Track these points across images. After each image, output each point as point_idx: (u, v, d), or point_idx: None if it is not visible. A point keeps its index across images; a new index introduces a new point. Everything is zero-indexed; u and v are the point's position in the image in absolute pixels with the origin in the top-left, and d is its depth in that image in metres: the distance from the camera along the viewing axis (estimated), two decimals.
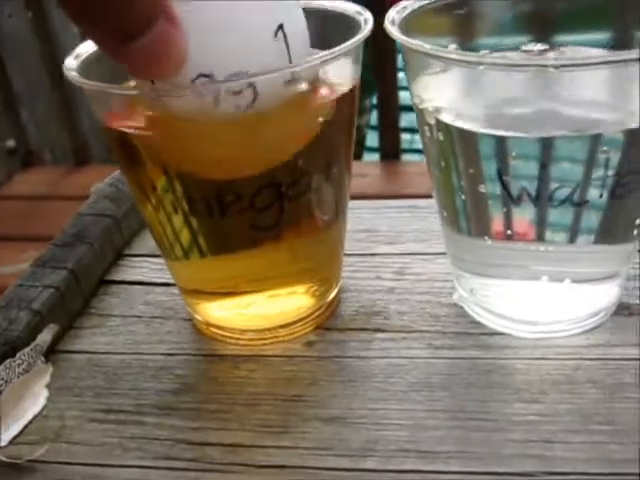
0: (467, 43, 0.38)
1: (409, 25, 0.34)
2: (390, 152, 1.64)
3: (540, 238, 0.34)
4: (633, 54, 0.27)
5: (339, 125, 0.35)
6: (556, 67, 0.28)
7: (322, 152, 0.35)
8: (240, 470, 0.32)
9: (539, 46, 0.38)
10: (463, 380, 0.36)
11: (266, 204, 0.34)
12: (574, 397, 0.34)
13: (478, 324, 0.39)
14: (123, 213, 0.50)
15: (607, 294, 0.37)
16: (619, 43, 0.35)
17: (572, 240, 0.34)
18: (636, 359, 0.36)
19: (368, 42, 0.33)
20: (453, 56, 0.30)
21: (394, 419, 0.34)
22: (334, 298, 0.42)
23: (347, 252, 0.45)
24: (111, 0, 0.25)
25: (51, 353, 0.41)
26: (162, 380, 0.38)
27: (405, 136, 1.74)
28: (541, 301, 0.37)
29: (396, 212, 0.50)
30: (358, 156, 2.37)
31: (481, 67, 0.29)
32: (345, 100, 0.35)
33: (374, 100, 1.87)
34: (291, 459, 0.33)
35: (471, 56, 0.29)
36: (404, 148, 1.68)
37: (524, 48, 0.38)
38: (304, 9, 0.32)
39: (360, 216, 0.50)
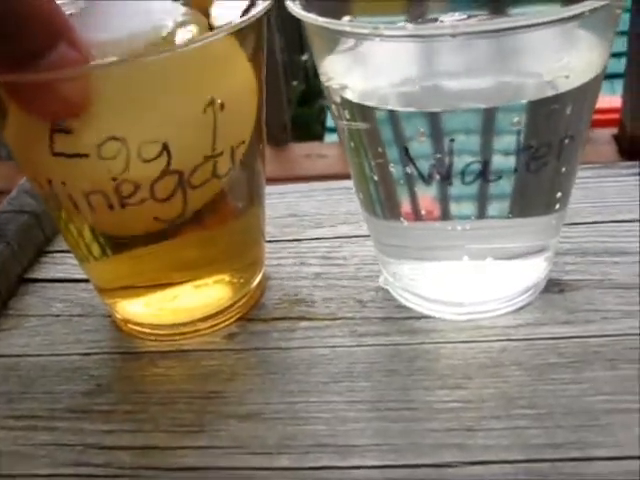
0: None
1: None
2: None
3: (456, 217, 0.32)
4: (532, 19, 0.25)
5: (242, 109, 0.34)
6: (453, 35, 0.26)
7: (226, 137, 0.33)
8: (150, 475, 0.31)
9: (457, 16, 0.37)
10: (386, 368, 0.34)
11: (168, 194, 0.32)
12: (499, 381, 0.33)
13: (404, 308, 0.38)
14: (44, 209, 0.48)
15: (534, 270, 0.36)
16: None
17: (489, 216, 0.32)
18: (564, 337, 0.35)
19: None
20: (347, 28, 0.28)
21: (313, 413, 0.32)
22: (257, 287, 0.40)
23: (273, 239, 0.44)
24: (8, 18, 0.23)
25: None
26: (77, 382, 0.37)
27: None
28: (465, 281, 0.36)
29: (327, 195, 0.49)
30: (320, 137, 2.36)
31: (376, 39, 0.27)
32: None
33: None
34: (204, 460, 0.31)
35: (365, 28, 0.27)
36: None
37: (443, 18, 0.37)
38: None
39: (289, 200, 0.48)
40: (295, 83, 2.48)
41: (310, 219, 0.46)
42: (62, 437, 0.33)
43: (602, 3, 0.26)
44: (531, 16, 0.26)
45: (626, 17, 1.59)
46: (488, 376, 0.33)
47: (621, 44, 1.67)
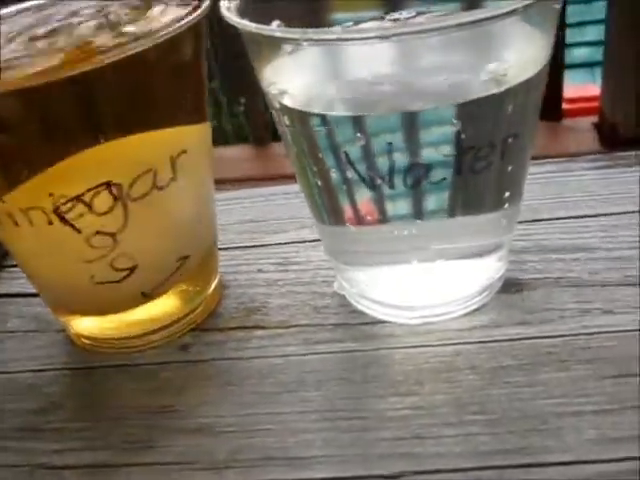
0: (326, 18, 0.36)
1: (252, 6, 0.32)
2: None
3: (400, 220, 0.32)
4: (455, 19, 0.24)
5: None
6: (382, 38, 0.25)
7: (162, 145, 0.32)
8: None
9: (405, 14, 0.36)
10: (338, 376, 0.34)
11: (106, 208, 0.31)
12: (452, 386, 0.32)
13: (359, 313, 0.37)
14: None
15: (487, 270, 0.36)
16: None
17: (433, 218, 0.32)
18: (519, 339, 0.34)
19: None
20: (277, 34, 0.27)
21: (263, 424, 0.32)
22: (211, 296, 0.39)
23: (230, 245, 0.43)
24: None
25: None
26: (28, 400, 0.36)
27: None
28: (417, 285, 0.35)
29: (285, 199, 0.48)
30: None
31: (305, 43, 0.26)
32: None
33: None
34: (151, 477, 0.30)
35: (294, 33, 0.26)
36: None
37: (389, 17, 0.36)
38: None
39: (247, 206, 0.47)
40: None
41: (269, 224, 0.46)
42: (10, 458, 0.33)
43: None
44: (464, 14, 0.25)
45: (603, 5, 1.60)
46: (441, 381, 0.32)
47: (599, 33, 1.67)
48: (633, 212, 0.41)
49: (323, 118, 0.30)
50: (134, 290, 0.36)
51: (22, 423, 0.35)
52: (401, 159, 0.29)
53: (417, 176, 0.30)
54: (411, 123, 0.28)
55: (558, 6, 0.29)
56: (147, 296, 0.36)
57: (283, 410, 0.32)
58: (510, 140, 0.30)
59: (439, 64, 0.29)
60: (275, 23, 0.30)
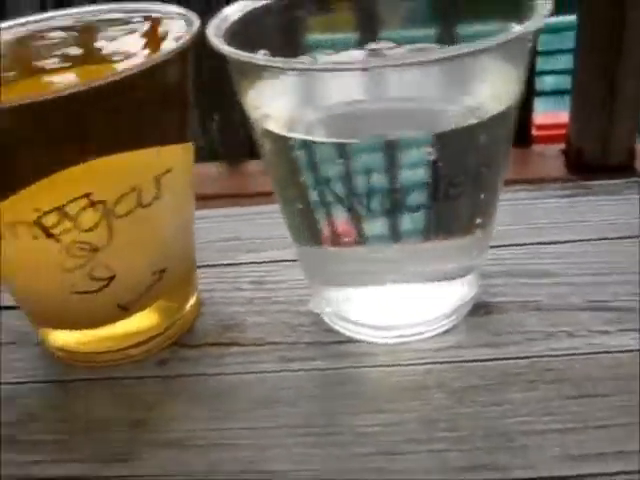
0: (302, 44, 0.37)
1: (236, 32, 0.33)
2: None
3: (375, 243, 0.33)
4: (435, 54, 0.26)
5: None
6: (363, 70, 0.26)
7: (147, 164, 0.33)
8: None
9: (384, 44, 0.38)
10: (311, 393, 0.35)
11: (91, 224, 0.32)
12: (421, 404, 0.33)
13: (333, 332, 0.38)
14: None
15: (457, 294, 0.37)
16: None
17: (407, 242, 0.33)
18: (487, 360, 0.35)
19: None
20: (261, 62, 0.29)
21: (239, 439, 0.33)
22: (189, 313, 0.40)
23: (208, 263, 0.44)
24: None
25: None
26: (6, 411, 0.36)
27: None
28: (390, 305, 0.36)
29: (262, 218, 0.49)
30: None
31: (290, 73, 0.28)
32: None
33: None
34: None
35: (279, 62, 0.28)
36: None
37: (370, 47, 0.37)
38: None
39: (224, 224, 0.48)
40: None
41: (246, 243, 0.47)
42: None
43: (508, 37, 0.27)
44: (439, 50, 0.27)
45: (572, 34, 1.63)
46: (411, 399, 0.34)
47: (569, 61, 1.71)
48: (595, 239, 0.43)
49: (304, 142, 0.31)
50: (111, 301, 0.36)
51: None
52: (379, 184, 0.30)
53: (394, 201, 0.31)
54: (389, 150, 0.30)
55: (531, 43, 0.31)
56: (124, 309, 0.37)
57: (258, 425, 0.33)
58: (483, 169, 0.32)
59: (417, 95, 0.30)
60: (261, 52, 0.31)
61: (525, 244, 0.44)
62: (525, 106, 1.58)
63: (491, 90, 0.31)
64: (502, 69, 0.30)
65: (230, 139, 1.57)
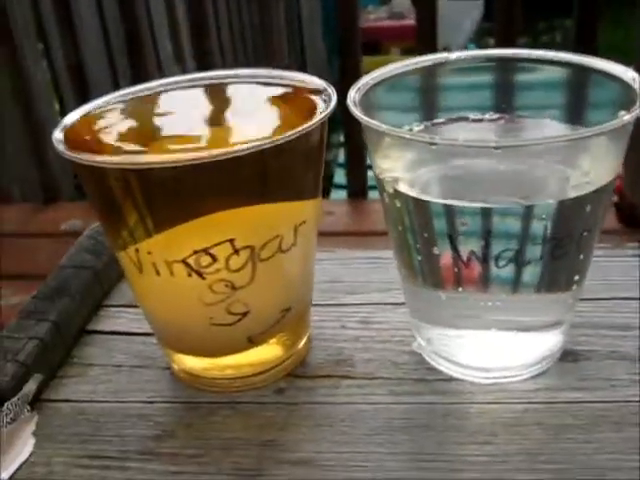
0: (428, 112, 0.42)
1: (369, 99, 0.38)
2: (357, 190, 1.69)
3: (488, 293, 0.37)
4: (556, 138, 0.31)
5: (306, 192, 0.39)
6: (496, 148, 0.31)
7: (290, 215, 0.38)
8: None
9: (491, 115, 0.42)
10: (421, 424, 0.39)
11: (239, 266, 0.37)
12: (522, 438, 0.37)
13: (435, 371, 0.42)
14: (103, 265, 0.53)
15: (552, 341, 0.41)
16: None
17: (517, 294, 0.37)
18: (578, 402, 0.39)
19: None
20: (407, 136, 0.34)
21: (358, 461, 0.37)
22: (303, 347, 0.45)
23: (316, 302, 0.49)
24: None
25: (36, 402, 0.43)
26: (143, 427, 0.41)
27: (372, 173, 1.79)
28: (492, 349, 0.40)
29: (360, 263, 0.54)
30: (325, 193, 2.43)
31: (433, 147, 0.33)
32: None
33: (341, 137, 1.92)
34: None
35: (423, 137, 0.33)
36: (371, 185, 1.72)
37: (479, 117, 0.42)
38: None
39: (325, 267, 0.53)
40: None
41: (347, 285, 0.51)
42: (134, 476, 0.38)
43: (620, 123, 0.32)
44: (565, 135, 0.32)
45: None
46: (512, 434, 0.38)
47: None
48: None
49: (435, 205, 0.36)
50: (242, 334, 0.41)
51: (139, 447, 0.40)
52: (496, 244, 0.35)
53: (507, 259, 0.35)
54: (509, 216, 0.34)
55: (631, 125, 0.35)
56: (251, 341, 0.42)
57: (374, 450, 0.38)
58: (585, 234, 0.36)
59: (535, 168, 0.35)
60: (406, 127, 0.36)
61: (602, 299, 0.48)
62: None
63: (599, 166, 0.35)
64: (609, 146, 0.35)
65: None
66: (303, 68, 3.41)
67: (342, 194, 1.89)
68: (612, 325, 0.45)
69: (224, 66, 2.21)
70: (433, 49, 1.73)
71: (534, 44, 4.60)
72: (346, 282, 0.52)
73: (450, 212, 0.35)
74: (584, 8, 1.61)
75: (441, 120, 0.42)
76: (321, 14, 3.50)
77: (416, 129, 0.41)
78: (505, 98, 0.43)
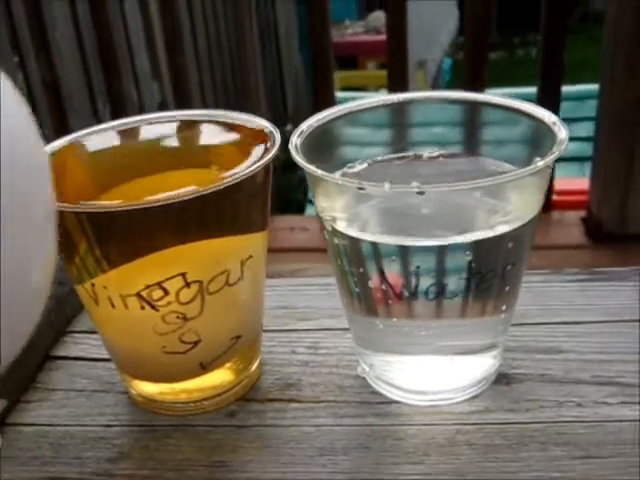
0: (384, 147, 0.45)
1: (312, 141, 0.41)
2: None
3: (421, 322, 0.40)
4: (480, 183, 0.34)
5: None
6: (420, 193, 0.34)
7: (236, 251, 0.41)
8: None
9: (428, 152, 0.45)
10: (361, 445, 0.42)
11: (189, 299, 0.40)
12: (453, 458, 0.40)
13: (377, 394, 0.45)
14: (66, 293, 0.55)
15: (485, 365, 0.44)
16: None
17: (448, 323, 0.40)
18: (508, 423, 0.42)
19: None
20: (338, 182, 0.36)
21: None
22: (255, 371, 0.47)
23: (267, 328, 0.51)
24: None
25: (1, 426, 0.45)
26: (101, 449, 0.44)
27: None
28: (429, 373, 0.43)
29: (312, 289, 0.56)
30: (301, 205, 2.46)
31: (362, 191, 0.36)
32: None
33: None
34: None
35: (352, 182, 0.36)
36: None
37: (427, 154, 0.45)
38: None
39: (279, 293, 0.56)
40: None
41: (299, 312, 0.54)
42: None
43: (540, 167, 0.35)
44: (485, 180, 0.34)
45: (594, 103, 1.72)
46: (444, 454, 0.40)
47: (590, 129, 1.79)
48: (602, 322, 0.50)
49: (367, 242, 0.38)
50: (195, 361, 0.44)
51: (97, 469, 0.42)
52: (426, 279, 0.38)
53: (436, 292, 0.38)
54: (436, 253, 0.37)
55: (551, 167, 0.38)
56: (203, 367, 0.44)
57: (317, 470, 0.40)
58: (509, 267, 0.39)
59: (458, 210, 0.38)
60: (338, 173, 0.39)
61: (540, 323, 0.51)
62: None
63: (519, 204, 0.38)
64: (531, 187, 0.38)
65: None
66: (280, 81, 3.45)
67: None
68: (545, 349, 0.48)
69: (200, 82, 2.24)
70: (403, 63, 1.77)
71: (509, 58, 4.67)
72: (298, 308, 0.54)
73: (380, 249, 0.38)
74: (550, 24, 1.66)
75: (392, 156, 0.45)
76: (297, 28, 3.55)
77: (360, 167, 0.44)
78: (455, 135, 0.46)
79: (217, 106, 2.69)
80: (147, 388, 0.46)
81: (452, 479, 0.39)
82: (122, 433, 0.45)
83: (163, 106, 2.14)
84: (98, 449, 0.44)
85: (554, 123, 0.40)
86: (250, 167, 0.39)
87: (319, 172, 0.37)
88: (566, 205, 1.92)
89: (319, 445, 0.42)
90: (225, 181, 0.37)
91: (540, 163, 0.36)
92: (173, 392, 0.46)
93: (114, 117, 0.49)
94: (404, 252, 0.38)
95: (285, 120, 3.16)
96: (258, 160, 0.39)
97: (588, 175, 1.78)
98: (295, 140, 0.40)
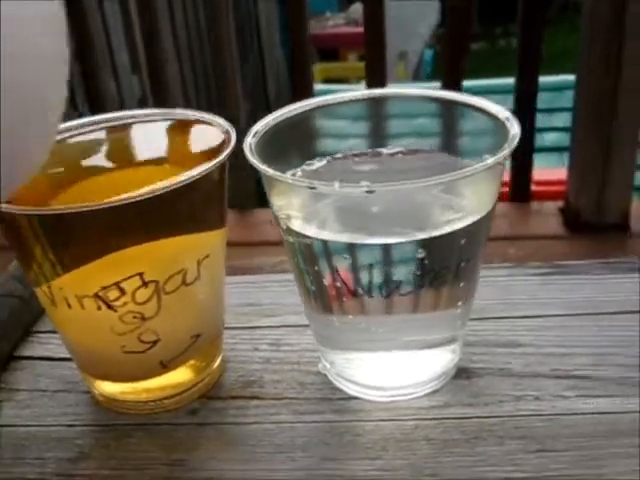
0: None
1: (267, 141, 0.41)
2: None
3: (377, 319, 0.41)
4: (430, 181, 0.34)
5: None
6: (370, 192, 0.34)
7: (193, 250, 0.41)
8: None
9: (386, 150, 0.46)
10: (321, 441, 0.42)
11: (145, 299, 0.40)
12: (410, 453, 0.40)
13: (338, 390, 0.45)
14: (30, 293, 0.55)
15: (444, 360, 0.44)
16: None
17: (403, 319, 0.41)
18: (466, 417, 0.43)
19: None
20: (289, 181, 0.37)
21: (260, 478, 0.40)
22: (217, 369, 0.48)
23: (231, 325, 0.51)
24: None
25: None
26: (62, 449, 0.44)
27: None
28: (388, 369, 0.44)
29: (276, 286, 0.57)
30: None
31: (313, 190, 0.36)
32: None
33: None
34: None
35: (303, 182, 0.36)
36: None
37: (381, 151, 0.46)
38: None
39: (243, 290, 0.56)
40: None
41: (262, 308, 0.54)
42: None
43: (488, 165, 0.35)
44: (435, 178, 0.35)
45: (572, 93, 1.72)
46: (401, 449, 0.41)
47: (569, 119, 1.79)
48: (562, 315, 0.50)
49: (320, 241, 0.39)
50: (154, 360, 0.44)
51: (57, 469, 0.42)
52: (378, 276, 0.38)
53: (390, 289, 0.39)
54: (388, 251, 0.38)
55: (502, 166, 0.38)
56: (164, 366, 0.44)
57: (278, 467, 0.41)
58: (463, 264, 0.39)
59: (411, 208, 0.38)
60: (289, 172, 0.39)
61: (501, 317, 0.51)
62: (525, 162, 1.66)
63: (473, 200, 0.38)
64: (482, 184, 0.38)
65: (239, 189, 1.66)
66: (262, 74, 3.44)
67: None
68: (505, 343, 0.48)
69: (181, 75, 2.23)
70: (382, 55, 1.77)
71: (491, 49, 4.68)
72: (262, 305, 0.55)
73: (332, 248, 0.38)
74: (528, 17, 1.66)
75: (350, 153, 0.45)
76: (279, 21, 3.54)
77: (318, 164, 0.45)
78: (409, 131, 0.46)
79: (198, 99, 2.69)
80: (108, 388, 0.46)
81: (408, 474, 0.39)
82: (84, 433, 0.45)
83: (143, 101, 2.13)
84: (59, 449, 0.44)
85: (507, 119, 0.40)
86: (205, 165, 0.39)
87: (271, 172, 0.37)
88: (545, 195, 1.92)
89: (279, 442, 0.42)
90: (180, 180, 0.37)
91: (490, 160, 0.36)
92: (134, 391, 0.46)
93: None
94: (356, 250, 0.38)
95: (267, 113, 3.16)
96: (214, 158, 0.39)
97: (566, 166, 1.79)
98: (250, 140, 0.40)
